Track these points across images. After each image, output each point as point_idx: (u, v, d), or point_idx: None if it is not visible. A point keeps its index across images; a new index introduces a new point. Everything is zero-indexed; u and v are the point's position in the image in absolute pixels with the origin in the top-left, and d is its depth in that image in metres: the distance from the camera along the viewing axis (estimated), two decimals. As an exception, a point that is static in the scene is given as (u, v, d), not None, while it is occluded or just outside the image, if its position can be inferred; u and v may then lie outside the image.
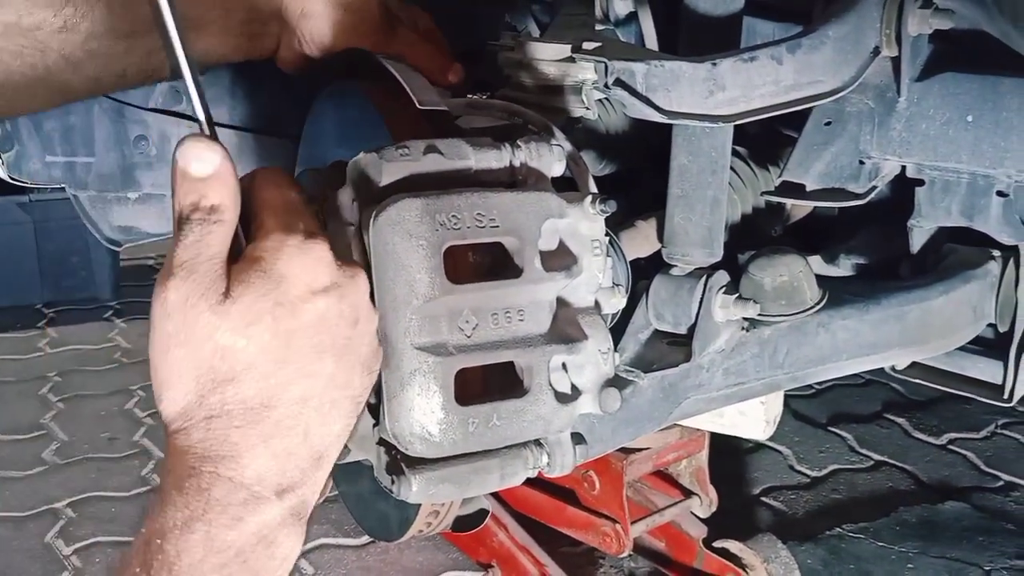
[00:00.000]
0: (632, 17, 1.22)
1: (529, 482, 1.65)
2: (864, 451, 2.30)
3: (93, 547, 1.88)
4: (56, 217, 3.25)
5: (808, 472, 2.20)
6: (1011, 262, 1.18)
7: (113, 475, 2.17)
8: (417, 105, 0.82)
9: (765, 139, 1.32)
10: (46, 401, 2.59)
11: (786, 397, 2.49)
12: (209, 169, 0.57)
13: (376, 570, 1.80)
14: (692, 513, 1.65)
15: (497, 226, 0.72)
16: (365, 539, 1.87)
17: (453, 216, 0.70)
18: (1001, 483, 2.15)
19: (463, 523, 1.36)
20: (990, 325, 1.23)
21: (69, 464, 2.23)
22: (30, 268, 3.32)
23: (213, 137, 0.60)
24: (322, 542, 1.89)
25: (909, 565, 1.83)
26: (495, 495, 1.69)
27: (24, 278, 3.31)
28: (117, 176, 1.45)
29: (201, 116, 0.61)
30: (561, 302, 0.78)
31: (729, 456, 2.23)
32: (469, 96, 0.95)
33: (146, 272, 3.86)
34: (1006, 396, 1.21)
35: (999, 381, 1.23)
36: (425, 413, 0.69)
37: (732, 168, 1.22)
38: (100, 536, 1.92)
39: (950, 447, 2.32)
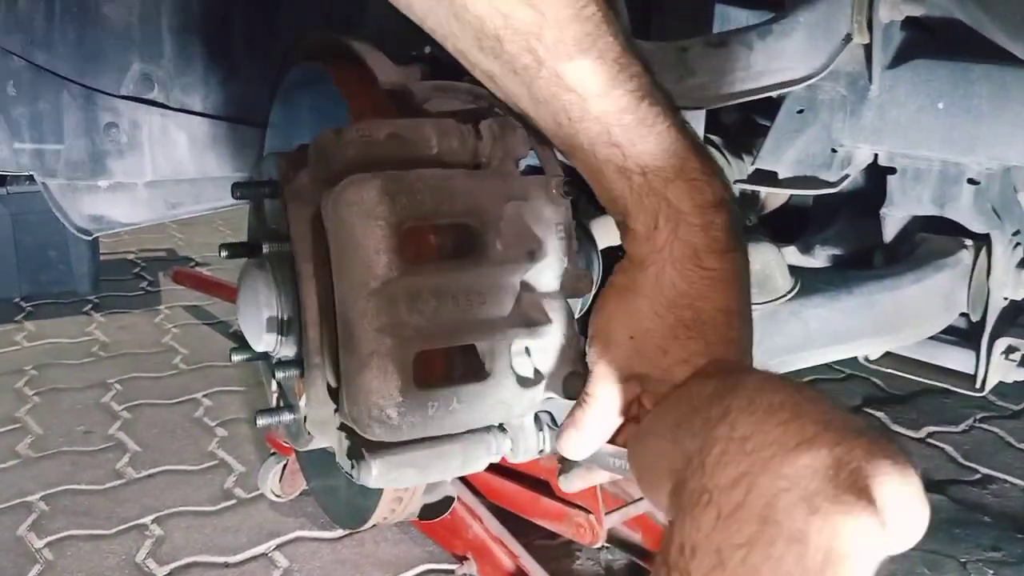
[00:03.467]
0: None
1: (503, 473, 1.65)
2: (843, 444, 2.30)
3: (66, 540, 1.86)
4: (34, 210, 3.21)
5: (787, 465, 2.20)
6: (983, 251, 1.18)
7: (88, 468, 2.15)
8: (380, 85, 0.81)
9: (739, 128, 1.32)
10: (22, 394, 2.57)
11: (766, 391, 2.50)
12: None
13: (351, 563, 1.78)
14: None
15: (458, 207, 0.71)
16: (340, 532, 1.86)
17: (413, 196, 0.69)
18: (979, 476, 2.16)
19: (430, 511, 1.35)
20: (963, 315, 1.23)
21: (44, 457, 2.21)
22: (7, 261, 3.29)
23: None
24: (297, 535, 1.87)
25: (885, 557, 1.84)
26: (470, 487, 1.68)
27: (1, 271, 3.28)
28: (87, 163, 1.44)
29: None
30: (525, 286, 0.77)
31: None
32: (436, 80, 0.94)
33: (125, 267, 3.84)
34: (978, 385, 1.21)
35: (971, 370, 1.23)
36: (383, 396, 0.68)
37: (705, 156, 1.22)
38: (73, 529, 1.90)
39: (928, 440, 2.32)
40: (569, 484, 0.75)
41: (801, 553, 0.40)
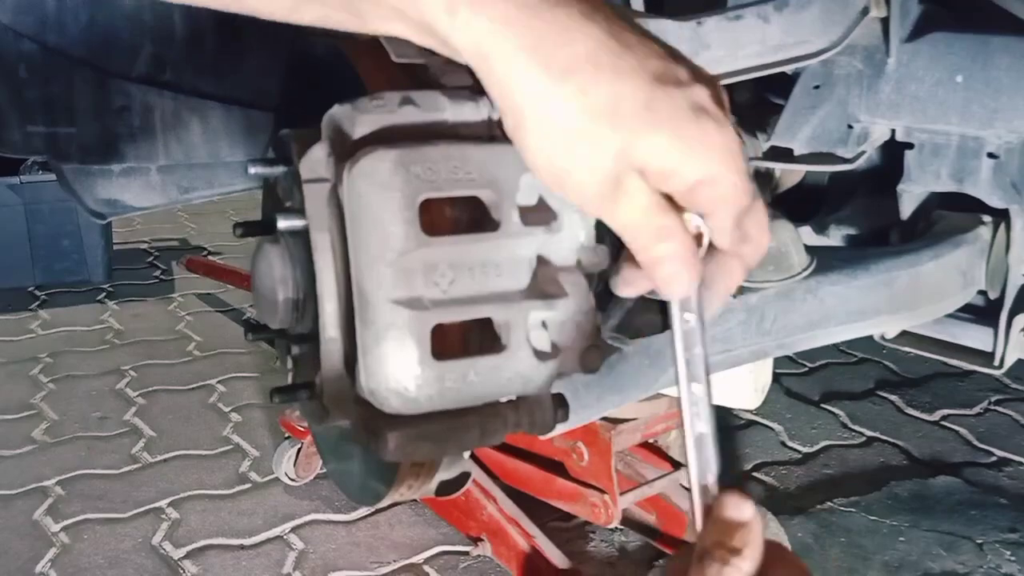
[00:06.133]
0: (620, -20, 1.20)
1: (518, 454, 1.65)
2: (856, 427, 2.29)
3: (82, 524, 1.88)
4: (47, 199, 3.22)
5: (800, 448, 2.19)
6: (1001, 227, 1.17)
7: (103, 454, 2.16)
8: (393, 59, 0.80)
9: (753, 106, 1.31)
10: (37, 382, 2.58)
11: (778, 374, 2.50)
12: (745, 516, 0.56)
13: (366, 545, 1.79)
14: (682, 486, 1.64)
15: (473, 179, 0.70)
16: (355, 515, 1.87)
17: (428, 168, 0.69)
18: (994, 458, 2.15)
19: (447, 487, 1.34)
20: (981, 292, 1.22)
21: (59, 443, 2.22)
22: (21, 251, 3.30)
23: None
24: (312, 518, 1.88)
25: (901, 538, 1.83)
26: (485, 468, 1.68)
27: (15, 261, 3.29)
28: (99, 147, 1.44)
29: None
30: (541, 260, 0.77)
31: (721, 433, 2.22)
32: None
33: (139, 256, 3.85)
34: (996, 363, 1.20)
35: (990, 348, 1.22)
36: (401, 368, 0.68)
37: (720, 134, 1.21)
38: (89, 513, 1.91)
39: (943, 423, 2.31)
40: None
41: None
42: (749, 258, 0.56)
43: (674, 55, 0.51)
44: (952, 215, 1.20)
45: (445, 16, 0.48)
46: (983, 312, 1.24)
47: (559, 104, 0.48)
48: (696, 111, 0.49)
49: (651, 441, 1.65)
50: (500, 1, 0.47)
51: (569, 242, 0.77)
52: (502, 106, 0.51)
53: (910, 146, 1.11)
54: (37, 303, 3.25)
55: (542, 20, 0.47)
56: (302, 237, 0.81)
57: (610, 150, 0.49)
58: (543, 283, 0.75)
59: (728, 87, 1.00)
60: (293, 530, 1.84)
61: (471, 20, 0.47)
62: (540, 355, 0.75)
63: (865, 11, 1.02)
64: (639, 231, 0.53)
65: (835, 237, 1.36)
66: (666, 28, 0.93)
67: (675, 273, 0.54)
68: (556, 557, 1.57)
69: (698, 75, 0.51)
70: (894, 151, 1.16)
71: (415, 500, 1.82)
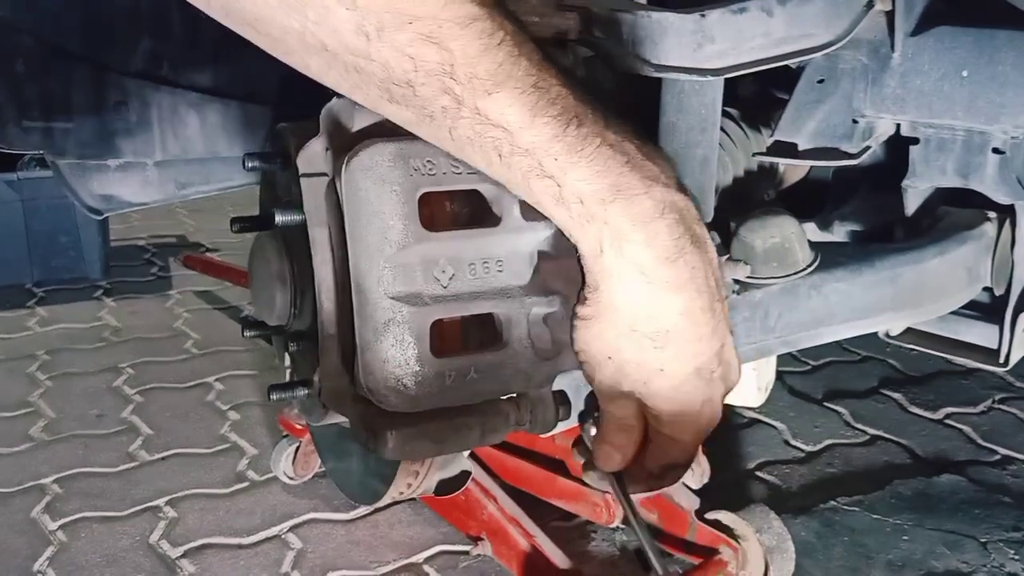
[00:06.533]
0: (623, -27, 1.19)
1: (518, 452, 1.64)
2: (860, 426, 2.28)
3: (79, 522, 1.87)
4: (45, 196, 3.21)
5: (803, 447, 2.18)
6: (1007, 223, 1.16)
7: (101, 451, 2.15)
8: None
9: (757, 101, 1.29)
10: (34, 379, 2.57)
11: (781, 373, 2.49)
12: None
13: (365, 544, 1.78)
14: (684, 484, 1.63)
15: (474, 173, 0.69)
16: (354, 514, 1.86)
17: (428, 161, 0.68)
18: (998, 457, 2.14)
19: (446, 486, 1.34)
20: (986, 289, 1.21)
21: (56, 440, 2.21)
22: (19, 247, 3.29)
23: None
24: (311, 517, 1.87)
25: (904, 537, 1.82)
26: (485, 467, 1.67)
27: (12, 257, 3.28)
28: (96, 142, 1.42)
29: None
30: (543, 255, 0.75)
31: (723, 432, 2.21)
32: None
33: (136, 252, 3.84)
34: (1001, 360, 1.19)
35: (995, 345, 1.21)
36: (400, 365, 0.67)
37: (723, 129, 1.20)
38: (86, 511, 1.90)
39: (946, 422, 2.30)
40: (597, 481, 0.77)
41: None
42: (655, 487, 0.72)
43: (721, 348, 0.65)
44: (957, 211, 1.19)
45: (592, 243, 0.61)
46: (988, 309, 1.23)
47: (626, 340, 0.63)
48: (706, 403, 0.65)
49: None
50: (641, 268, 0.60)
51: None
52: (590, 296, 0.64)
53: (915, 141, 1.10)
54: (34, 300, 3.24)
55: (657, 276, 0.61)
56: (300, 232, 0.80)
57: (634, 385, 0.65)
58: (545, 278, 0.74)
59: (732, 81, 1.00)
60: (291, 529, 1.83)
61: (613, 260, 0.61)
62: (541, 352, 0.73)
63: (870, 5, 1.01)
64: (612, 419, 0.68)
65: (839, 233, 1.35)
66: (669, 21, 0.91)
67: (611, 456, 0.70)
68: (557, 557, 1.55)
69: (725, 372, 0.66)
70: (899, 146, 1.15)
71: (414, 499, 1.81)
